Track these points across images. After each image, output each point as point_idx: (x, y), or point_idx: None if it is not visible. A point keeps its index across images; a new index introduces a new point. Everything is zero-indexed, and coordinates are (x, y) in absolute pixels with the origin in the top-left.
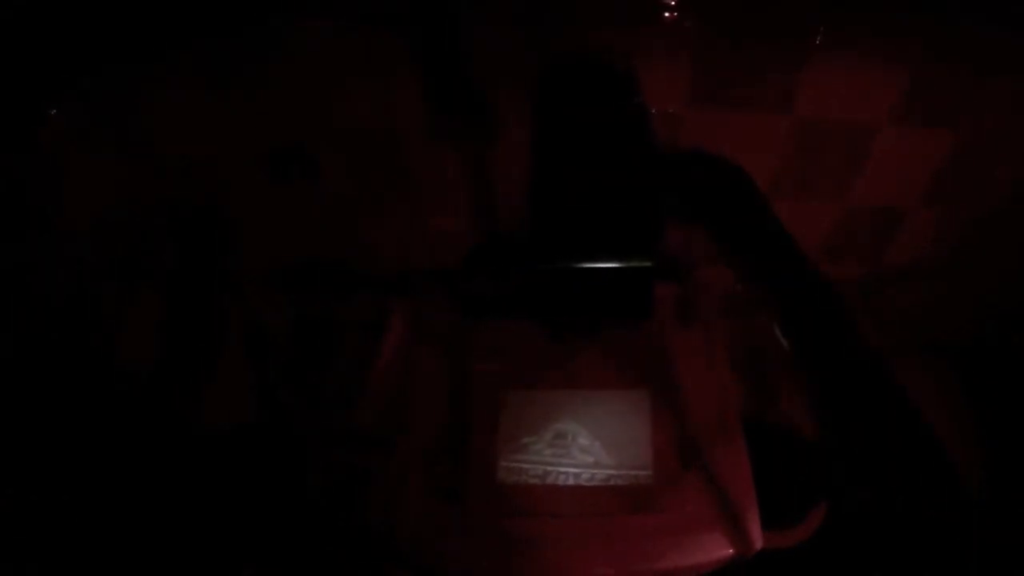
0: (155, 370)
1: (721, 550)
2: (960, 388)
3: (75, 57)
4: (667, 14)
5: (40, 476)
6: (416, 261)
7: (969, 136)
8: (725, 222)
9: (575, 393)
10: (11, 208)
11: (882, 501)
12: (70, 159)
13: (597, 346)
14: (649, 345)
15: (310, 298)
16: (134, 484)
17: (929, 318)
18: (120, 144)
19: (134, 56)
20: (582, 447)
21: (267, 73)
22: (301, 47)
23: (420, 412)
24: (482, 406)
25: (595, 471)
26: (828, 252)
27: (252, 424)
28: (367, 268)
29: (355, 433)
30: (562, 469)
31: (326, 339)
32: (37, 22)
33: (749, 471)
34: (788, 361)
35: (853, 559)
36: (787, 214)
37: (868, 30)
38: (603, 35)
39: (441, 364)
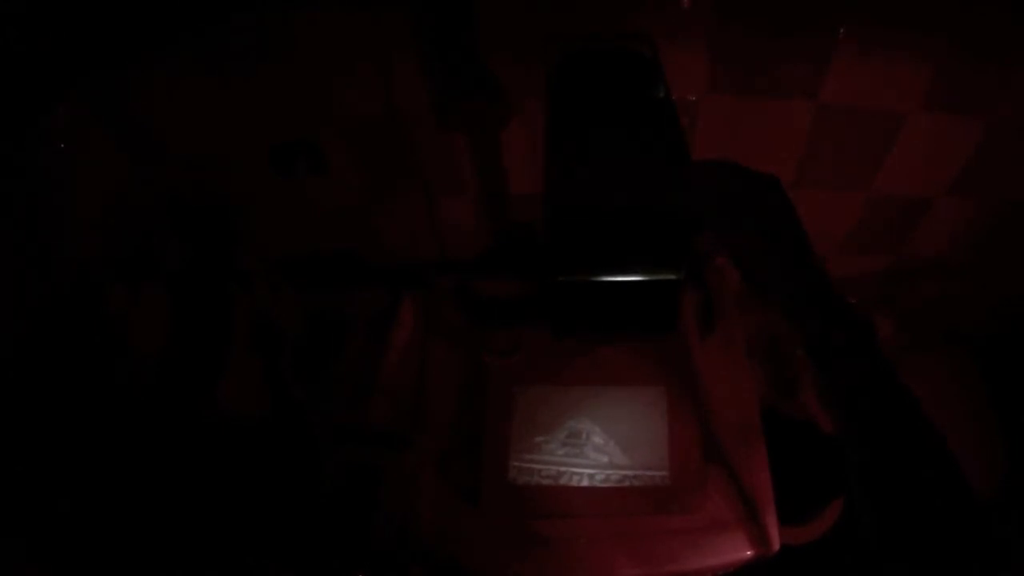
0: (164, 366)
1: (739, 552)
2: (981, 379)
3: (77, 54)
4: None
5: (50, 472)
6: (426, 253)
7: (997, 126)
8: (759, 256)
9: (590, 390)
10: (16, 205)
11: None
12: (74, 156)
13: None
14: (666, 341)
15: (320, 291)
16: (144, 481)
17: (951, 308)
18: (124, 140)
19: (135, 52)
20: (596, 446)
21: (267, 65)
22: (302, 35)
23: (433, 408)
24: (495, 403)
25: (610, 471)
26: (852, 242)
27: (263, 419)
28: (377, 261)
29: (368, 429)
30: (576, 469)
31: (336, 332)
32: (39, 20)
33: (768, 472)
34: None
35: (869, 555)
36: (812, 204)
37: (895, 17)
38: (622, 17)
39: (453, 358)
